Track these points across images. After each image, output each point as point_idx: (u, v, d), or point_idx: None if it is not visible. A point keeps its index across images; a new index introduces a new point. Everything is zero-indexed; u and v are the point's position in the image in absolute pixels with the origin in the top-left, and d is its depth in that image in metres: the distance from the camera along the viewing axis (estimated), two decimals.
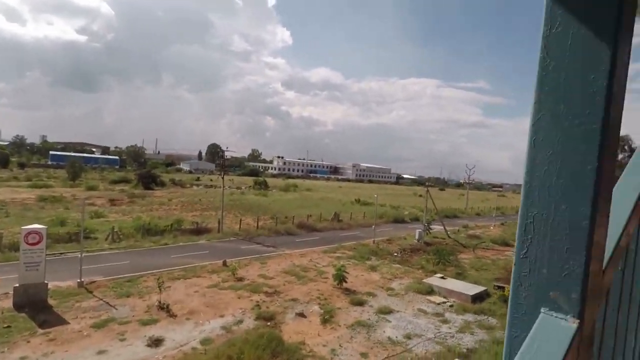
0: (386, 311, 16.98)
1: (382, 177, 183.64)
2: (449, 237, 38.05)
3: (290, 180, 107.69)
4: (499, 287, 20.30)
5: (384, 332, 14.89)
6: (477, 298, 19.30)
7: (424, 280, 21.28)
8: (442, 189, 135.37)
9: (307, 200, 60.47)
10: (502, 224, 51.75)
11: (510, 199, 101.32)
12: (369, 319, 16.07)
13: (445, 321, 16.45)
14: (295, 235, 33.55)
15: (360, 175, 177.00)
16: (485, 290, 20.26)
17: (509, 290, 0.95)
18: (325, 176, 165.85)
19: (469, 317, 17.09)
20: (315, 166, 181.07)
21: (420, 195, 56.68)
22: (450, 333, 15.34)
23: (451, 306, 18.35)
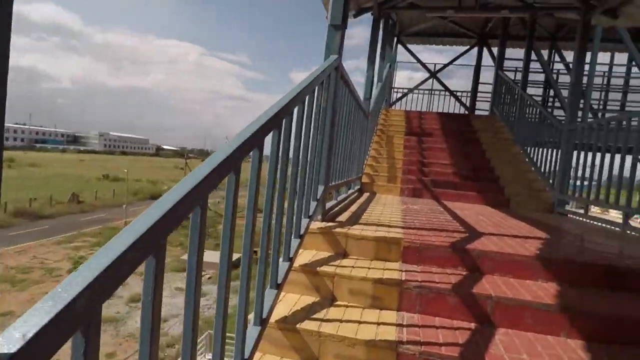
0: (138, 299, 15.53)
1: (138, 148, 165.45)
2: (209, 209, 38.68)
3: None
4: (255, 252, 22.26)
5: (136, 322, 13.57)
6: (236, 265, 20.49)
7: (183, 257, 20.79)
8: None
9: (31, 180, 47.05)
10: None
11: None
12: (117, 312, 14.24)
13: (203, 294, 16.64)
14: (10, 228, 25.55)
15: (110, 146, 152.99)
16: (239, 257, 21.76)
17: None
18: (61, 147, 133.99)
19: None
20: (44, 134, 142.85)
21: (182, 168, 54.49)
22: (207, 305, 15.64)
23: (209, 278, 18.73)
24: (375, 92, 6.33)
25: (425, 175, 5.30)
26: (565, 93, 8.63)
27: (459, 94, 10.60)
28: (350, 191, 4.33)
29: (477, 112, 10.24)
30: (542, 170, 4.85)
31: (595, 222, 3.80)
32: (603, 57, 8.74)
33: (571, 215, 4.22)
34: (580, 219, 4.13)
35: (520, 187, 4.96)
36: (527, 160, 5.67)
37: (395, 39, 10.30)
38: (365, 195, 4.66)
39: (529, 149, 5.79)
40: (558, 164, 4.38)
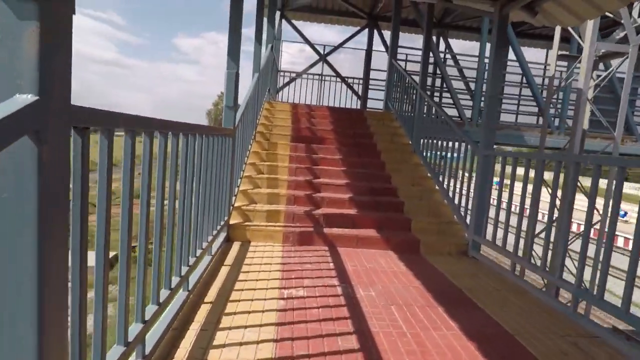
0: None
1: None
2: None
3: None
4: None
5: None
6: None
7: None
8: None
9: None
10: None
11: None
12: None
13: None
14: None
15: None
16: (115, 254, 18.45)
17: None
18: None
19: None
20: None
21: None
22: None
23: None
24: (251, 85, 4.79)
25: (317, 206, 4.07)
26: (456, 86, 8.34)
27: (350, 81, 9.67)
28: (215, 243, 2.86)
29: (370, 104, 9.51)
30: (451, 196, 4.05)
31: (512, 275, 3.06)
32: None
33: (488, 261, 3.46)
34: (495, 267, 3.40)
35: (428, 217, 4.11)
36: (429, 174, 4.89)
37: (279, 14, 8.72)
38: (233, 251, 3.22)
39: (428, 154, 5.04)
40: (472, 196, 3.57)
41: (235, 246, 3.37)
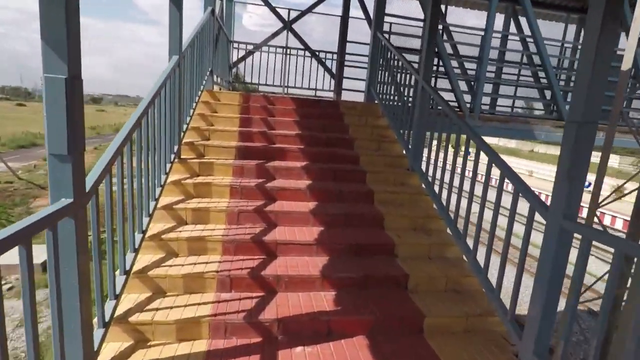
0: None
1: None
2: (19, 178, 29.14)
3: None
4: None
5: None
6: None
7: None
8: (21, 104, 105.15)
9: None
10: (96, 148, 46.60)
11: (110, 114, 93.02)
12: None
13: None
14: None
15: None
16: None
17: None
18: None
19: (42, 294, 12.86)
20: None
21: None
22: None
23: (10, 289, 13.20)
24: (162, 75, 2.99)
25: (267, 330, 2.45)
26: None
27: (322, 55, 7.80)
28: None
29: (347, 84, 7.74)
30: (483, 265, 2.54)
31: None
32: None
33: None
34: None
35: (448, 307, 2.60)
36: (438, 212, 3.34)
37: None
38: None
39: (432, 170, 3.50)
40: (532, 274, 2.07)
41: None
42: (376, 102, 5.30)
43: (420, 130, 3.77)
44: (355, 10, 7.96)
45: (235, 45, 7.59)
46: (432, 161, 3.53)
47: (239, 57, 7.60)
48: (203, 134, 3.99)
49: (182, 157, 3.52)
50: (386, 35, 6.00)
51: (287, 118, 4.51)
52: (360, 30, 7.92)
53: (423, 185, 3.74)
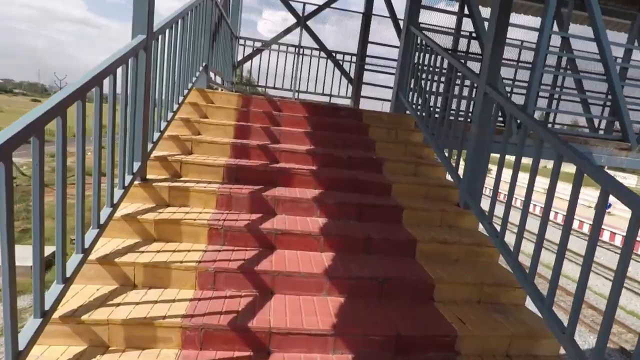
0: None
1: None
2: (22, 174, 28.53)
3: None
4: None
5: None
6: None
7: None
8: (36, 100, 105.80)
9: None
10: None
11: None
12: None
13: None
14: None
15: None
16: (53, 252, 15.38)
17: None
18: None
19: None
20: None
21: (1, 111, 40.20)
22: None
23: None
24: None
25: None
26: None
27: (339, 57, 6.80)
28: None
29: (366, 91, 6.73)
30: None
31: None
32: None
33: None
34: None
35: None
36: (540, 310, 2.28)
37: None
38: None
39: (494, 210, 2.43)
40: None
41: None
42: (407, 112, 4.26)
43: (482, 153, 2.71)
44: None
45: (242, 42, 6.65)
46: (501, 197, 2.45)
47: (245, 55, 6.64)
48: (183, 145, 2.98)
49: (146, 177, 2.51)
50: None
51: (296, 128, 3.48)
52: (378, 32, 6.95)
53: (481, 228, 2.68)
